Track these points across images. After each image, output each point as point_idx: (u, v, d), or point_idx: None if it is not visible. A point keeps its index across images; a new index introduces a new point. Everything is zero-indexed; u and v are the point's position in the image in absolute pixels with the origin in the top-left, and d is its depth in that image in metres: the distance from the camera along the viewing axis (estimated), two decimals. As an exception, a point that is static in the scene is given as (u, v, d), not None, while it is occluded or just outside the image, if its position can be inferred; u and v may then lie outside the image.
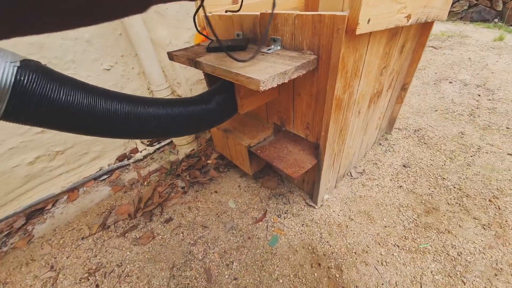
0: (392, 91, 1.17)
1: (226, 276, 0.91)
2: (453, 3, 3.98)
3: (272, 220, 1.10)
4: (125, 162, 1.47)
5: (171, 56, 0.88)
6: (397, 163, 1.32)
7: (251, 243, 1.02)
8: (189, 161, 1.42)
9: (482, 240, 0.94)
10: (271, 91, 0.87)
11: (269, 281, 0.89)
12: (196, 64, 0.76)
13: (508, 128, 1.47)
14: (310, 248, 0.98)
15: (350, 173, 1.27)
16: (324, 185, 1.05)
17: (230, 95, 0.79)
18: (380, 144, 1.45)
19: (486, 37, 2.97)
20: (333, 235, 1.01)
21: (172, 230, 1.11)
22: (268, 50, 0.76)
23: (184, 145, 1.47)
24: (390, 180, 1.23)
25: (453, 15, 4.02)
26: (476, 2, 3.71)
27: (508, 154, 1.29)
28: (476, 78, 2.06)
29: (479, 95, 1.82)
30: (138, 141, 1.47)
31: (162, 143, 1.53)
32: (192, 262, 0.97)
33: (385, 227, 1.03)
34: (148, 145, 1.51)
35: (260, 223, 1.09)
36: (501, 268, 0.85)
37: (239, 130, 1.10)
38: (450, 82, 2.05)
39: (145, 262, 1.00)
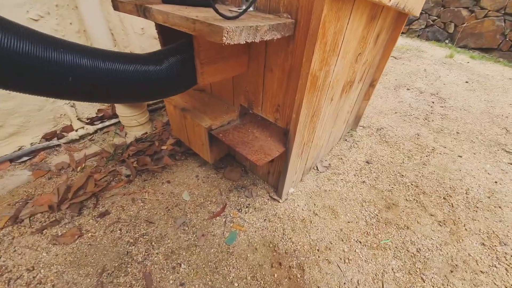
0: (362, 85, 1.15)
1: (171, 282, 0.76)
2: (412, 22, 4.36)
3: (231, 214, 0.97)
4: (55, 141, 1.19)
5: (116, 4, 0.69)
6: (361, 159, 1.31)
7: (205, 241, 0.88)
8: (139, 145, 1.21)
9: (438, 237, 0.96)
10: (238, 61, 0.74)
11: (223, 285, 0.76)
12: (145, 12, 0.59)
13: (458, 133, 1.59)
14: (271, 245, 0.88)
15: (317, 166, 1.21)
16: (291, 177, 0.96)
17: (188, 59, 0.64)
18: (346, 140, 1.44)
19: (439, 53, 3.29)
20: (297, 231, 0.93)
21: (107, 226, 0.90)
22: (239, 9, 0.63)
23: (135, 126, 1.25)
24: (354, 175, 1.20)
25: (411, 32, 4.40)
26: (432, 23, 4.11)
27: (459, 156, 1.38)
28: (430, 87, 2.23)
29: (433, 102, 1.96)
30: (73, 117, 1.20)
31: (106, 123, 1.28)
32: (128, 266, 0.79)
33: (349, 222, 0.98)
34: (87, 123, 1.25)
35: (217, 218, 0.96)
36: (456, 265, 0.87)
37: (200, 110, 0.95)
38: (408, 89, 2.18)
39: (65, 266, 0.78)
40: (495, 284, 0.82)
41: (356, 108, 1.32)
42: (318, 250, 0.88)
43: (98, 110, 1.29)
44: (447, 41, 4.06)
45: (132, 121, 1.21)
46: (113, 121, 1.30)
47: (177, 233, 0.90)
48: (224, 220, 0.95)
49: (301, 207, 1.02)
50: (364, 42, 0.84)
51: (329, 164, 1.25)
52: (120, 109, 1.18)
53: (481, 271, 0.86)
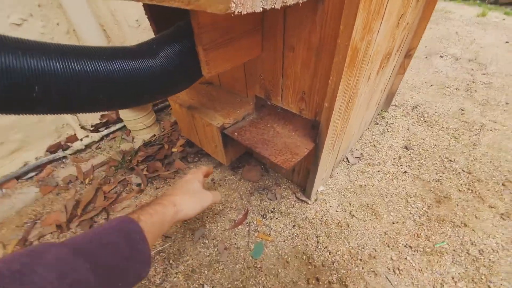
0: (399, 55, 0.95)
1: (195, 307, 0.67)
2: (434, -21, 3.84)
3: (255, 222, 0.86)
4: (60, 153, 1.12)
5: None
6: (398, 145, 1.13)
7: (228, 255, 0.77)
8: (148, 150, 1.11)
9: (503, 233, 0.79)
10: (250, 43, 0.59)
11: (254, 310, 0.66)
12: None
13: (508, 103, 1.35)
14: (304, 257, 0.76)
15: (347, 158, 1.06)
16: (321, 175, 0.82)
17: (188, 46, 0.49)
18: (377, 123, 1.26)
19: (469, 13, 2.88)
20: (333, 237, 0.80)
21: (121, 243, 0.82)
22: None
23: (141, 129, 1.15)
24: (393, 165, 1.04)
25: (433, -8, 3.91)
26: (456, -22, 3.60)
27: (514, 131, 1.16)
28: (466, 52, 1.94)
29: (473, 69, 1.69)
30: (76, 126, 1.11)
31: (112, 129, 1.19)
32: (146, 290, 0.70)
33: (393, 223, 0.84)
34: (92, 131, 1.16)
35: (239, 227, 0.85)
36: (532, 268, 0.71)
37: (208, 106, 0.82)
38: (441, 57, 1.90)
39: (80, 293, 0.71)
40: None
41: (390, 84, 1.12)
42: (360, 259, 0.75)
43: (102, 115, 1.20)
44: (476, -3, 3.57)
45: (138, 124, 1.10)
46: (118, 125, 1.20)
47: (197, 247, 0.80)
48: (247, 229, 0.84)
49: (334, 208, 0.89)
50: (408, 0, 0.65)
51: (361, 153, 1.09)
52: (123, 112, 1.07)
53: None
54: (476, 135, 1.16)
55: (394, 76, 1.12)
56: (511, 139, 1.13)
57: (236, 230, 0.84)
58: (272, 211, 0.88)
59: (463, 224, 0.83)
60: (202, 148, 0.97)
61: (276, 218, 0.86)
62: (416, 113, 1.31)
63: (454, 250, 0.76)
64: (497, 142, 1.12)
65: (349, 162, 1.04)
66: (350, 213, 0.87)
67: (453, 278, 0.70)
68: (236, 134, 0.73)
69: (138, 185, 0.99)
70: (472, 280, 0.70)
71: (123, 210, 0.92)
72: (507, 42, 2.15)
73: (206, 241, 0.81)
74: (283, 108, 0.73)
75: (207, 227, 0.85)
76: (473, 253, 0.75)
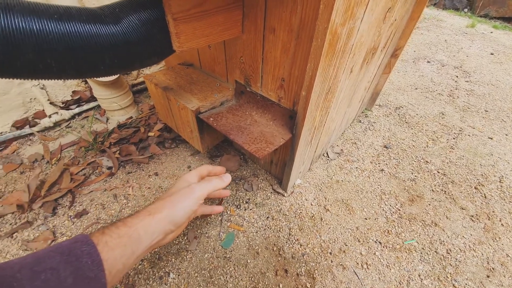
0: (385, 53, 0.94)
1: (156, 296, 0.64)
2: (429, -14, 3.90)
3: (228, 212, 0.84)
4: (27, 130, 1.04)
5: None
6: (378, 144, 1.14)
7: (198, 244, 0.75)
8: (122, 132, 1.06)
9: (471, 235, 0.81)
10: (229, 19, 0.55)
11: (218, 300, 0.64)
12: None
13: (487, 111, 1.39)
14: (275, 249, 0.75)
15: (327, 153, 1.05)
16: (298, 168, 0.81)
17: (157, 15, 0.45)
18: (360, 121, 1.26)
19: (459, 23, 2.95)
20: (305, 230, 0.80)
21: (84, 228, 0.78)
22: None
23: (117, 110, 1.09)
24: (371, 162, 1.04)
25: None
26: (450, -13, 3.67)
27: (489, 137, 1.20)
28: (453, 59, 1.98)
29: (457, 76, 1.73)
30: (44, 101, 1.04)
31: (84, 107, 1.12)
32: (106, 276, 0.67)
33: (366, 219, 0.84)
34: (62, 108, 1.09)
35: (212, 216, 0.82)
36: (493, 268, 0.73)
37: (185, 89, 0.78)
38: (429, 62, 1.93)
39: (34, 277, 0.66)
40: (544, 293, 0.68)
41: (375, 83, 1.12)
42: (330, 253, 0.75)
43: (73, 92, 1.12)
44: (466, 9, 3.66)
45: (113, 104, 1.04)
46: (92, 104, 1.13)
47: (166, 235, 0.77)
48: (220, 218, 0.82)
49: (309, 201, 0.88)
50: (396, -8, 0.63)
51: (341, 149, 1.08)
52: (96, 90, 1.01)
53: (524, 276, 0.72)
54: (454, 138, 1.19)
55: (380, 75, 1.12)
56: (487, 145, 1.17)
57: (208, 219, 0.81)
58: (247, 202, 0.87)
59: (433, 224, 0.84)
60: (178, 133, 0.93)
61: (250, 209, 0.85)
62: (399, 114, 1.32)
63: (422, 248, 0.78)
64: (473, 147, 1.15)
65: (329, 157, 1.04)
66: (324, 207, 0.86)
67: (419, 275, 0.72)
68: (211, 119, 0.70)
69: (109, 168, 0.94)
70: (438, 278, 0.71)
71: (90, 193, 0.87)
72: (492, 54, 2.21)
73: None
74: (262, 96, 0.70)
75: (178, 214, 0.82)
76: (441, 252, 0.77)
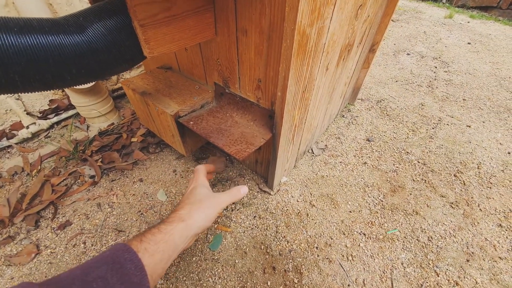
0: (362, 49, 0.96)
1: (144, 303, 0.64)
2: (408, -21, 3.97)
3: (215, 214, 0.84)
4: (4, 142, 1.01)
5: None
6: (361, 137, 1.16)
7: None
8: (104, 139, 1.04)
9: (451, 221, 0.85)
10: (200, 22, 0.55)
11: (207, 302, 0.65)
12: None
13: (465, 99, 1.45)
14: (263, 247, 0.76)
15: (312, 149, 1.07)
16: (281, 166, 0.82)
17: (124, 22, 0.45)
18: (343, 116, 1.28)
19: (437, 14, 3.02)
20: (292, 227, 0.81)
21: (68, 239, 0.76)
22: None
23: (97, 117, 1.06)
24: (354, 156, 1.07)
25: (407, -9, 4.04)
26: (428, -21, 3.75)
27: (467, 126, 1.25)
28: (432, 50, 2.03)
29: (436, 67, 1.78)
30: (21, 112, 1.01)
31: (63, 115, 1.09)
32: (92, 287, 0.66)
33: (350, 212, 0.86)
34: (40, 118, 1.06)
35: (199, 219, 0.82)
36: (472, 252, 0.76)
37: (164, 93, 0.77)
38: (408, 54, 1.98)
39: (17, 294, 0.65)
40: (517, 271, 0.72)
41: (355, 78, 1.14)
42: (317, 248, 0.76)
43: (50, 101, 1.09)
44: (444, 0, 3.76)
45: (92, 111, 1.02)
46: (71, 112, 1.10)
47: (152, 241, 0.76)
48: (207, 221, 0.82)
49: (295, 198, 0.89)
50: (366, -10, 0.65)
51: (326, 145, 1.10)
52: (74, 98, 0.98)
53: (499, 258, 0.76)
54: (433, 128, 1.23)
55: (359, 70, 1.14)
56: (465, 133, 1.21)
57: (195, 222, 0.81)
58: (233, 203, 0.87)
59: (414, 212, 0.87)
60: (161, 138, 0.92)
61: (237, 210, 0.85)
62: (380, 107, 1.35)
63: (405, 237, 0.80)
64: (452, 135, 1.20)
65: (313, 153, 1.05)
66: (310, 203, 0.88)
67: (402, 263, 0.74)
68: (191, 123, 0.70)
69: (92, 177, 0.93)
70: (420, 266, 0.74)
71: (72, 204, 0.85)
72: (469, 43, 2.29)
73: (162, 234, 0.78)
74: (241, 97, 0.70)
75: (165, 219, 0.82)
76: (422, 240, 0.80)
